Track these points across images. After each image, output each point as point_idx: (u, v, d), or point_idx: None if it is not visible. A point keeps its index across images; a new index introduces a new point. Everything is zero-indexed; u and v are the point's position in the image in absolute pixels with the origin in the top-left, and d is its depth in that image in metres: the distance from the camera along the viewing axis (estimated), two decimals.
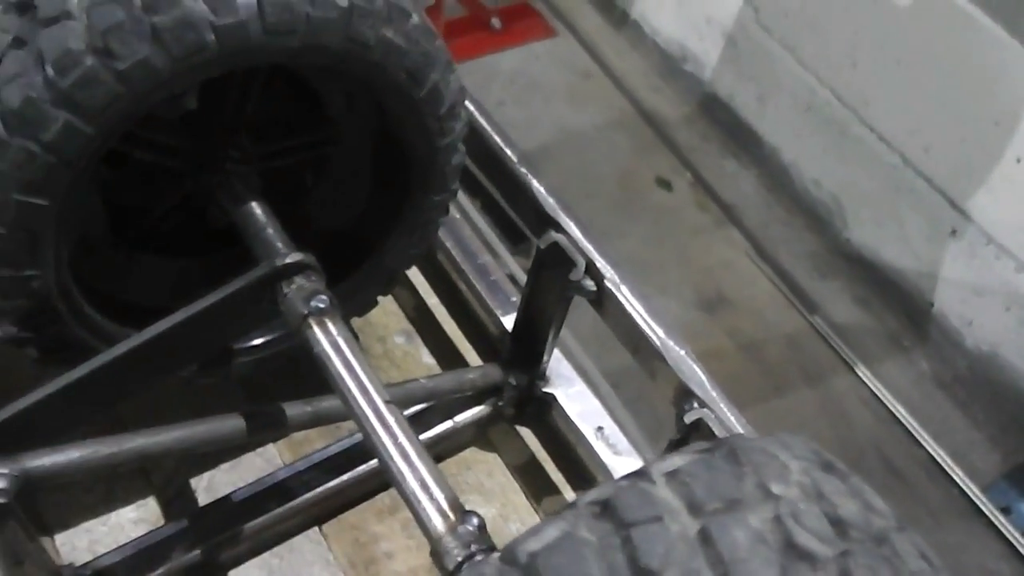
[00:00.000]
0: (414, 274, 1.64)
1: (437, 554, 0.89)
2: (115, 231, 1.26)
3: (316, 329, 1.05)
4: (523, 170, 1.32)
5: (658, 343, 1.21)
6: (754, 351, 3.42)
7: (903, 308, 3.46)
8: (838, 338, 3.44)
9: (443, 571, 0.88)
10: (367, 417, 0.98)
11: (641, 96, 4.20)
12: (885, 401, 3.24)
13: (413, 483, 0.93)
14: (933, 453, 3.10)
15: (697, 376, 1.19)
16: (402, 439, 0.95)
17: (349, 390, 1.01)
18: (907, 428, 3.17)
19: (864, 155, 3.42)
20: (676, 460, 0.64)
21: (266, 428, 1.16)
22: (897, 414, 3.19)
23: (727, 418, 1.15)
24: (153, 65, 0.95)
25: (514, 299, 1.53)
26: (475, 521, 0.91)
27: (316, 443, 1.44)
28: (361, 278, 1.34)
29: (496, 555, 0.62)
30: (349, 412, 1.01)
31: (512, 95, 3.99)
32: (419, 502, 0.92)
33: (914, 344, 3.43)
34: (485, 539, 0.88)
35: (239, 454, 1.43)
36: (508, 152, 1.34)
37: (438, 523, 0.91)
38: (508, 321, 1.49)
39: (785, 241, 3.76)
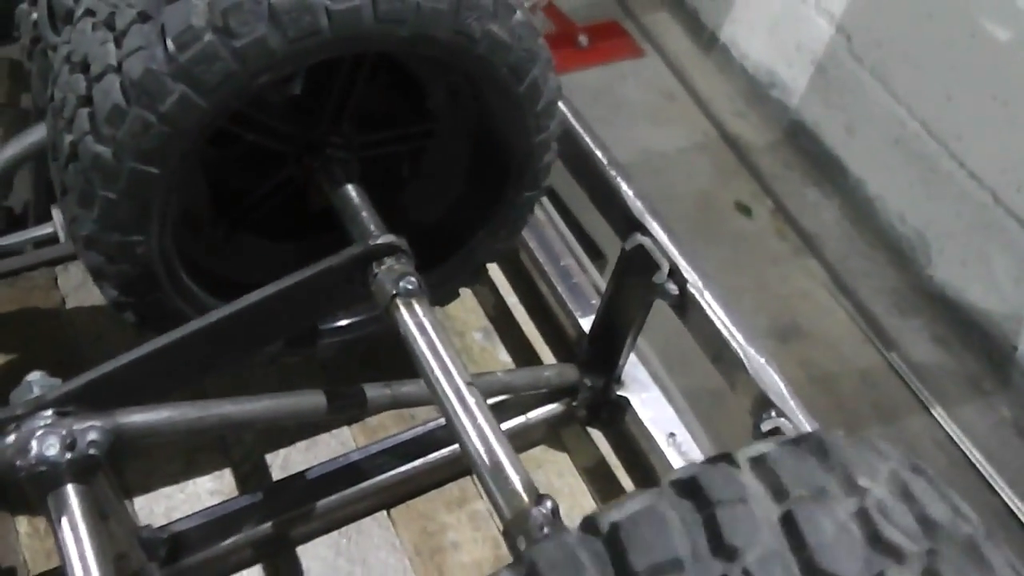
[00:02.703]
0: (495, 273, 1.66)
1: (509, 535, 0.90)
2: (217, 209, 1.31)
3: (403, 310, 1.08)
4: (613, 172, 1.33)
5: (739, 350, 1.20)
6: (827, 384, 3.35)
7: (985, 351, 3.36)
8: (915, 377, 3.35)
9: (514, 551, 0.89)
10: (448, 396, 1.00)
11: (725, 120, 4.17)
12: (961, 445, 3.14)
13: (489, 462, 0.94)
14: (1008, 501, 2.99)
15: (777, 386, 1.17)
16: (481, 419, 0.97)
17: (432, 369, 1.02)
18: (982, 474, 3.07)
19: (953, 191, 3.35)
20: (761, 447, 0.64)
21: (345, 407, 1.19)
22: (972, 459, 3.09)
23: (805, 429, 1.13)
24: (268, 45, 0.98)
25: (594, 302, 1.54)
26: (549, 505, 0.92)
27: (391, 429, 1.46)
28: (447, 270, 1.36)
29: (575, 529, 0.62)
30: (430, 391, 1.02)
31: (595, 113, 3.98)
32: (494, 482, 0.93)
33: (995, 388, 3.32)
34: (558, 524, 0.89)
35: (315, 434, 1.46)
36: (599, 154, 1.35)
37: (513, 504, 0.92)
38: (587, 324, 1.50)
39: (865, 275, 3.69)
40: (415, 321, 1.07)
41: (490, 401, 1.41)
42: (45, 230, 1.71)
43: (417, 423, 1.44)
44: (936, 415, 3.22)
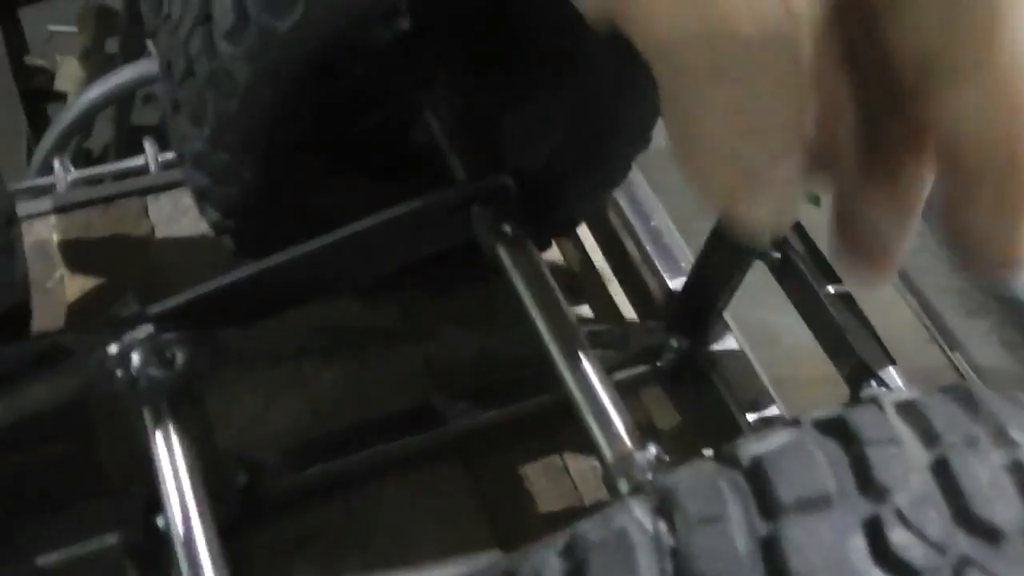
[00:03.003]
0: (583, 231, 1.63)
1: (610, 477, 0.88)
2: (320, 143, 1.30)
3: (508, 251, 1.06)
4: None
5: (839, 316, 1.17)
6: None
7: None
8: (980, 380, 3.27)
9: (614, 494, 0.87)
10: (553, 336, 0.98)
11: None
12: None
13: (593, 403, 0.93)
14: None
15: (878, 353, 1.14)
16: (585, 360, 0.95)
17: (537, 309, 1.01)
18: None
19: None
20: (906, 393, 0.61)
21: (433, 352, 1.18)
22: None
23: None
24: None
25: (683, 264, 1.50)
26: (654, 451, 0.90)
27: (472, 381, 1.45)
28: (541, 218, 1.34)
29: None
30: (532, 330, 1.01)
31: None
32: (597, 423, 0.91)
33: None
34: (663, 470, 0.87)
35: (396, 379, 1.45)
36: None
37: (615, 446, 0.90)
38: (675, 284, 1.47)
39: (933, 272, 3.59)
40: (518, 263, 1.06)
41: None
42: (135, 162, 1.73)
43: (502, 376, 1.43)
44: None
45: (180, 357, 0.98)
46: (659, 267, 1.50)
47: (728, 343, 1.44)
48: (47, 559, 1.21)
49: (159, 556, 1.15)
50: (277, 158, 1.12)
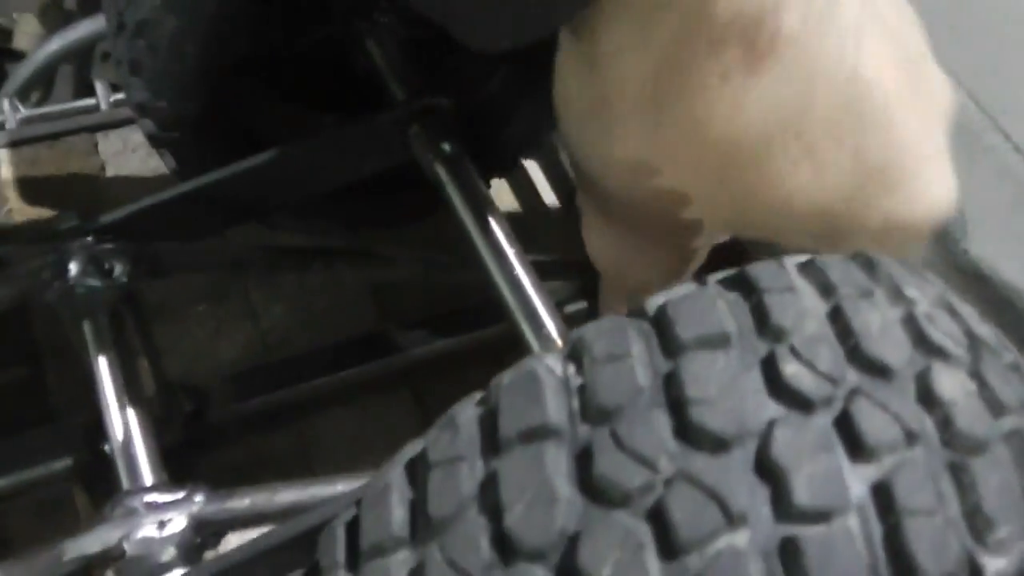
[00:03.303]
0: (534, 172, 1.64)
1: None
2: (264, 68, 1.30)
3: (444, 168, 1.07)
4: None
5: None
6: None
7: (1020, 330, 3.29)
8: None
9: None
10: (484, 243, 0.99)
11: None
12: None
13: (523, 304, 0.94)
14: None
15: None
16: (517, 265, 0.96)
17: (471, 221, 1.02)
18: None
19: (995, 166, 3.26)
20: (808, 255, 0.63)
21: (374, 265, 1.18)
22: None
23: None
24: None
25: None
26: None
27: (421, 311, 1.45)
28: (485, 148, 1.34)
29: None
30: (470, 246, 1.02)
31: None
32: (528, 325, 0.92)
33: None
34: None
35: (344, 311, 1.46)
36: None
37: (546, 344, 0.91)
38: None
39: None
40: (456, 178, 1.06)
41: None
42: (86, 102, 1.72)
43: (449, 306, 1.44)
44: None
45: (118, 268, 0.98)
46: None
47: None
48: None
49: (107, 478, 1.16)
50: (217, 79, 1.12)
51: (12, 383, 1.32)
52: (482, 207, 1.03)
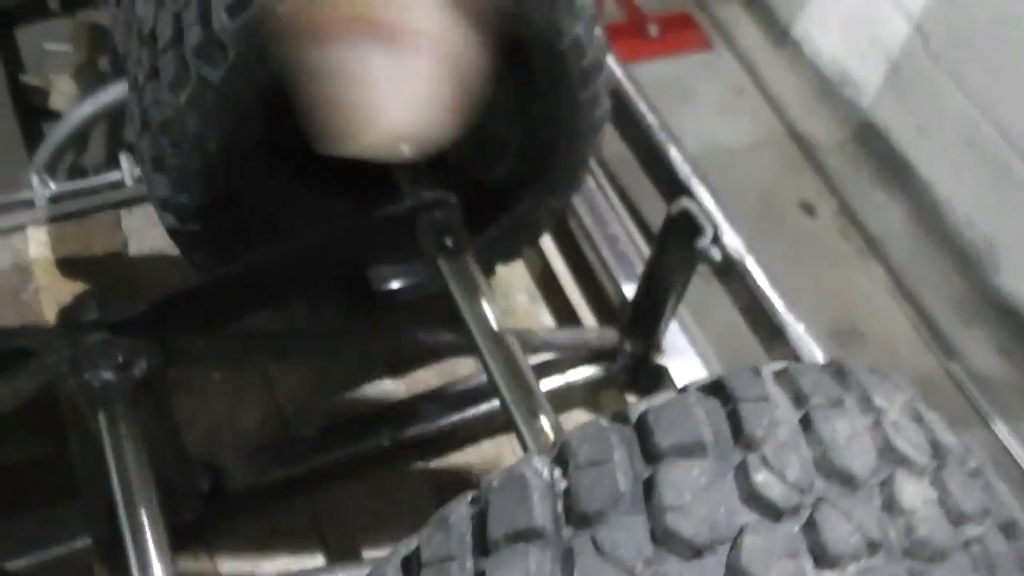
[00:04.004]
0: (543, 237, 1.68)
1: None
2: (277, 163, 1.36)
3: (448, 262, 1.11)
4: (661, 135, 1.34)
5: (779, 317, 1.21)
6: None
7: None
8: (976, 389, 3.28)
9: None
10: (483, 340, 1.03)
11: (794, 117, 4.12)
12: (1021, 461, 3.07)
13: (519, 401, 0.97)
14: None
15: (815, 356, 1.17)
16: (513, 361, 1.00)
17: (471, 318, 1.06)
18: None
19: None
20: (784, 363, 0.66)
21: (389, 345, 1.22)
22: None
23: None
24: None
25: (639, 270, 1.54)
26: None
27: (432, 382, 1.49)
28: (501, 230, 1.39)
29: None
30: (468, 337, 1.05)
31: (660, 104, 3.97)
32: (523, 420, 0.95)
33: None
34: None
35: (359, 385, 1.49)
36: (648, 116, 1.36)
37: (540, 441, 0.94)
38: (630, 290, 1.51)
39: (929, 281, 3.62)
40: (458, 274, 1.10)
41: (531, 360, 1.45)
42: (112, 177, 1.78)
43: (459, 380, 1.47)
44: (996, 430, 3.14)
45: (133, 361, 1.02)
46: (615, 273, 1.54)
47: (680, 345, 1.48)
48: (17, 563, 1.25)
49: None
50: (235, 173, 1.18)
51: (37, 459, 1.36)
52: (480, 301, 1.07)
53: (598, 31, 1.21)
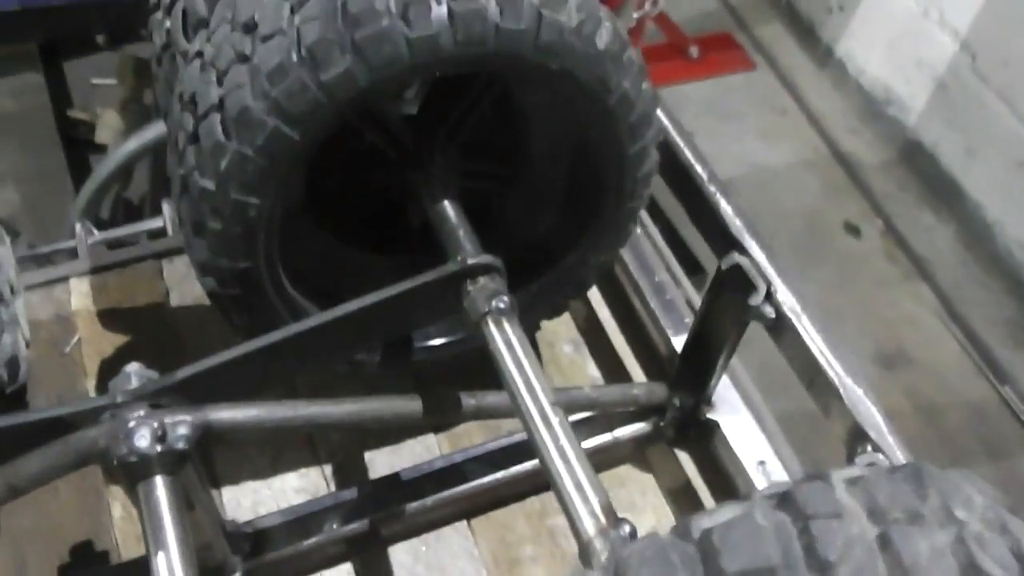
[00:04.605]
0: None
1: (585, 555, 0.89)
2: (318, 220, 1.34)
3: (493, 327, 1.09)
4: (712, 188, 1.30)
5: (836, 379, 1.16)
6: (933, 415, 3.21)
7: None
8: None
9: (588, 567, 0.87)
10: (532, 415, 0.99)
11: (838, 137, 4.05)
12: None
13: (569, 482, 0.93)
14: None
15: (874, 418, 1.13)
16: (563, 439, 0.96)
17: (518, 388, 1.03)
18: None
19: None
20: (856, 470, 0.62)
21: (431, 413, 1.18)
22: None
23: None
24: (352, 75, 1.01)
25: (687, 320, 1.50)
26: (627, 529, 0.90)
27: (475, 438, 1.46)
28: (547, 284, 1.36)
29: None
30: (515, 408, 1.02)
31: (702, 125, 3.91)
32: (573, 501, 0.92)
33: None
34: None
35: (400, 438, 1.47)
36: (698, 167, 1.32)
37: (590, 525, 0.90)
38: (679, 342, 1.47)
39: (979, 304, 3.53)
40: (504, 339, 1.07)
41: (577, 416, 1.41)
42: (154, 224, 1.78)
43: (502, 434, 1.44)
44: None
45: (173, 434, 1.00)
46: (663, 324, 1.50)
47: (731, 399, 1.43)
48: None
49: None
50: (276, 251, 1.17)
51: (76, 525, 1.35)
52: (527, 371, 1.03)
53: (646, 85, 1.18)
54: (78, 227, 1.72)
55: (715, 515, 0.62)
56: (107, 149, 3.21)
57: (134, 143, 2.52)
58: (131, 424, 0.99)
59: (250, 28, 1.06)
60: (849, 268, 3.59)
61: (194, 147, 1.08)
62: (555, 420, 0.98)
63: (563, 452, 0.96)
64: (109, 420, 1.00)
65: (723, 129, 4.00)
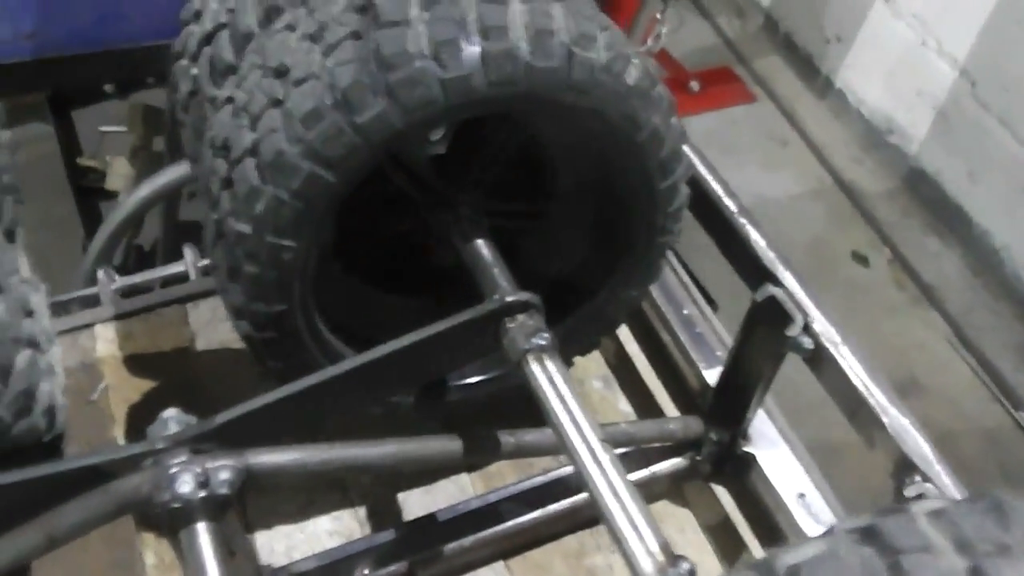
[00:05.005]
0: None
1: None
2: (344, 264, 1.33)
3: (535, 365, 1.08)
4: (742, 220, 1.30)
5: (879, 409, 1.15)
6: (948, 443, 3.18)
7: None
8: None
9: None
10: (580, 452, 0.98)
11: (841, 167, 4.07)
12: None
13: (624, 521, 0.92)
14: None
15: (921, 448, 1.12)
16: (614, 477, 0.95)
17: (564, 425, 1.02)
18: None
19: None
20: (936, 503, 0.61)
21: (468, 453, 1.17)
22: None
23: (954, 496, 1.07)
24: (387, 118, 1.01)
25: (719, 353, 1.49)
26: (686, 567, 0.88)
27: (508, 477, 1.44)
28: (577, 322, 1.36)
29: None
30: (562, 446, 1.01)
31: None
32: (629, 541, 0.90)
33: None
34: None
35: (433, 479, 1.45)
36: (727, 201, 1.32)
37: (647, 564, 0.89)
38: (711, 375, 1.46)
39: (990, 329, 3.53)
40: (546, 376, 1.07)
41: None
42: (176, 268, 1.77)
43: (536, 472, 1.42)
44: None
45: (215, 479, 0.99)
46: (694, 357, 1.49)
47: (767, 432, 1.42)
48: None
49: None
50: (310, 294, 1.17)
51: (113, 574, 1.33)
52: (571, 407, 1.02)
53: (675, 120, 1.18)
54: (100, 273, 1.71)
55: (799, 552, 0.61)
56: (118, 196, 3.22)
57: (146, 189, 2.52)
58: (173, 470, 0.98)
59: (281, 73, 1.06)
60: (858, 296, 3.59)
61: (228, 192, 1.08)
62: (605, 457, 0.97)
63: (615, 489, 0.95)
64: (151, 467, 0.99)
65: (726, 161, 3.98)
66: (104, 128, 3.40)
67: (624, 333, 1.62)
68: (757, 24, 4.57)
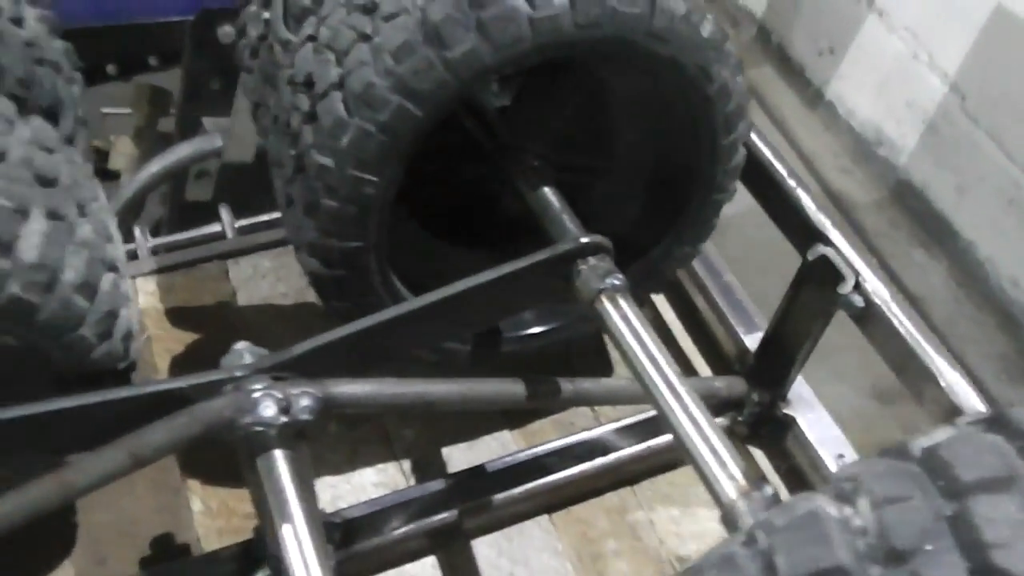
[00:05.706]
0: None
1: (729, 518, 0.89)
2: (408, 210, 1.35)
3: (609, 304, 1.10)
4: (792, 183, 1.34)
5: (931, 362, 1.18)
6: None
7: None
8: None
9: (733, 531, 0.88)
10: (659, 386, 1.01)
11: (830, 178, 4.13)
12: None
13: (705, 448, 0.94)
14: None
15: (972, 397, 1.15)
16: (693, 406, 0.97)
17: (642, 361, 1.04)
18: None
19: None
20: None
21: (530, 397, 1.19)
22: None
23: None
24: (477, 54, 1.04)
25: (757, 319, 1.53)
26: (769, 490, 0.91)
27: (549, 434, 1.46)
28: (630, 278, 1.38)
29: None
30: (638, 380, 1.03)
31: None
32: (712, 466, 0.93)
33: None
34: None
35: (474, 435, 1.47)
36: (777, 165, 1.36)
37: (731, 488, 0.91)
38: (750, 341, 1.49)
39: (973, 340, 3.59)
40: (621, 315, 1.09)
41: (654, 412, 1.42)
42: (213, 228, 1.78)
43: (576, 430, 1.44)
44: None
45: (296, 405, 1.00)
46: (733, 323, 1.52)
47: (805, 395, 1.45)
48: None
49: None
50: (385, 236, 1.18)
51: (159, 518, 1.33)
52: (647, 340, 1.05)
53: (741, 79, 1.21)
54: (137, 231, 1.71)
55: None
56: (120, 176, 3.19)
57: (156, 165, 2.51)
58: (256, 395, 0.99)
59: (369, 9, 1.08)
60: None
61: (311, 126, 1.10)
62: (682, 388, 0.99)
63: (694, 418, 0.97)
64: (232, 392, 1.00)
65: None
66: (105, 109, 3.39)
67: (660, 301, 1.65)
68: (750, 34, 4.64)
